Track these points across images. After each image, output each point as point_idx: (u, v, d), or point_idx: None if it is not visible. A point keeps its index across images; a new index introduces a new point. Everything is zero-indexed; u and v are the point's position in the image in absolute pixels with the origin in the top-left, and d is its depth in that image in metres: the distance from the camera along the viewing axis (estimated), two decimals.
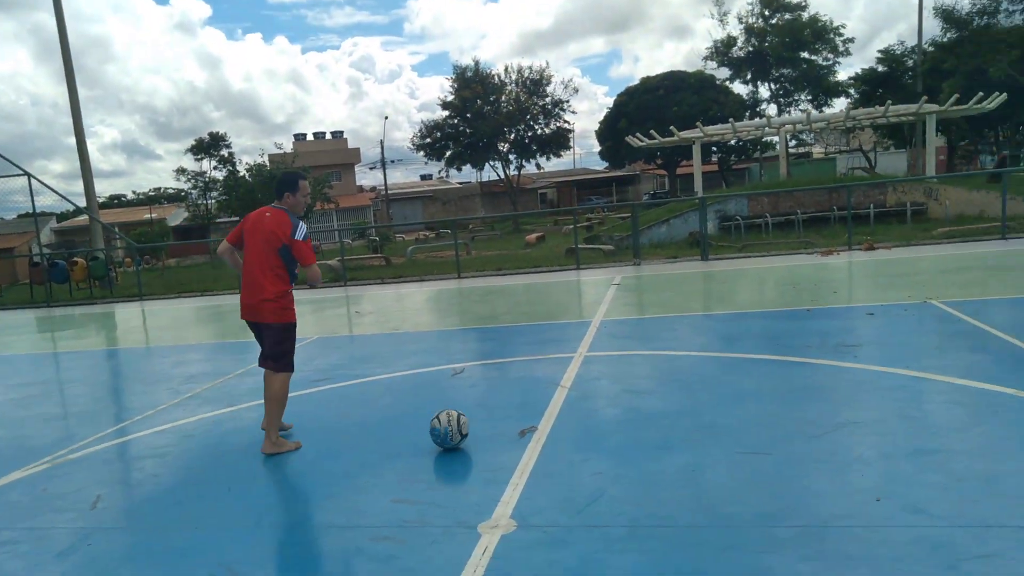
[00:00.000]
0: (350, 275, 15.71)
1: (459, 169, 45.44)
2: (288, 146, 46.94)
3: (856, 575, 2.56)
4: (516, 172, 45.05)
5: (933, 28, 33.50)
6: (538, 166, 45.14)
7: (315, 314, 10.96)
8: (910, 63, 38.29)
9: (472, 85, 41.21)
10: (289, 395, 4.59)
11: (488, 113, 40.95)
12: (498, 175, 45.18)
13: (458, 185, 59.59)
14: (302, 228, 4.48)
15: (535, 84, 41.79)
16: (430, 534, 3.18)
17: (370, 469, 4.04)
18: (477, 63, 42.69)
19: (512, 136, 42.25)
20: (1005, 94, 23.42)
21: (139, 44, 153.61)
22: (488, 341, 7.40)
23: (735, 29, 44.47)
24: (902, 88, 38.01)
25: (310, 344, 8.13)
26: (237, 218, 37.80)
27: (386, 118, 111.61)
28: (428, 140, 43.43)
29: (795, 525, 2.97)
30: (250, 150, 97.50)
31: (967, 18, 30.46)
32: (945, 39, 33.22)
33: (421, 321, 9.37)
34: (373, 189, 61.15)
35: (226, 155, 43.68)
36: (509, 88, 42.07)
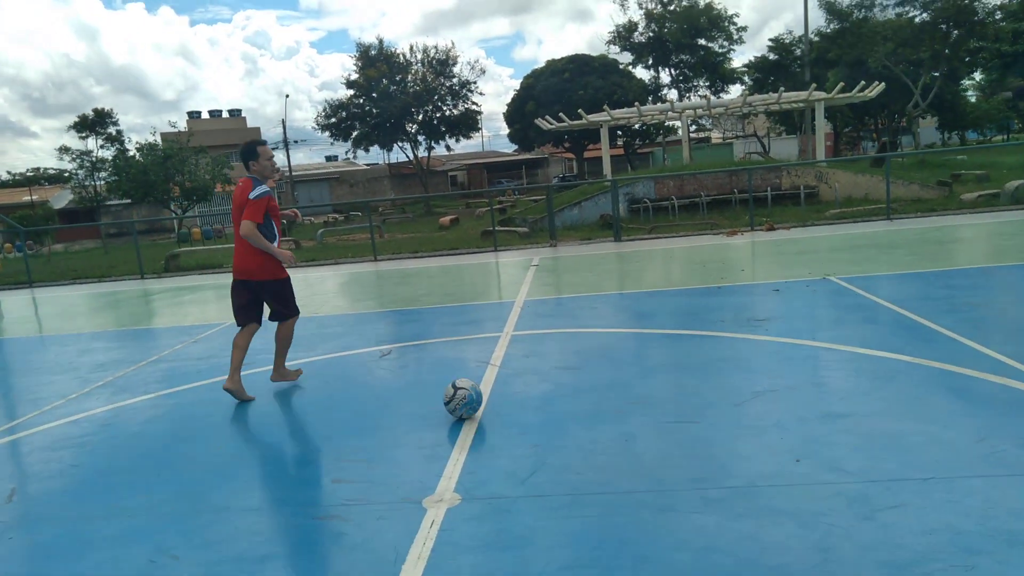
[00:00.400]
0: None
1: (367, 150, 44.61)
2: (182, 124, 44.57)
3: (784, 530, 2.77)
4: (425, 154, 44.63)
5: (818, 19, 35.50)
6: (448, 148, 44.88)
7: (228, 300, 10.56)
8: (798, 52, 40.42)
9: (377, 64, 40.39)
10: (212, 382, 4.47)
11: (395, 93, 40.27)
12: (407, 156, 44.61)
13: (366, 167, 58.42)
14: (259, 189, 4.83)
15: (441, 64, 41.42)
16: (375, 511, 3.19)
17: (306, 451, 4.00)
18: (381, 41, 41.82)
19: (420, 117, 41.77)
20: (883, 83, 25.12)
21: (1, 11, 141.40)
22: (412, 323, 7.37)
23: (636, 14, 45.58)
24: (791, 76, 40.10)
25: (228, 329, 7.85)
26: (129, 200, 35.69)
27: (287, 96, 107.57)
28: (333, 120, 42.32)
29: (725, 486, 3.17)
30: (139, 128, 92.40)
31: (848, 10, 32.36)
32: (829, 30, 35.21)
33: (340, 304, 9.21)
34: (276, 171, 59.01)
35: (113, 133, 41.05)
36: (415, 68, 41.52)
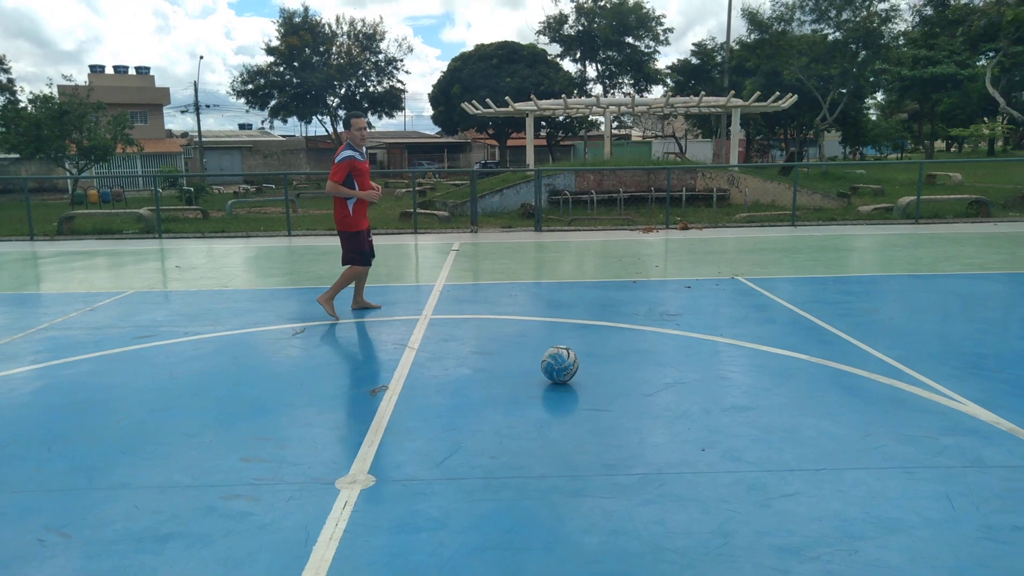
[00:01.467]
0: (165, 227, 14.48)
1: (284, 121, 43.19)
2: (82, 78, 41.75)
3: (688, 515, 2.89)
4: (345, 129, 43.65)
5: (741, 28, 36.84)
6: (369, 124, 43.98)
7: (129, 267, 10.03)
8: (719, 59, 41.78)
9: (300, 32, 39.12)
10: (111, 353, 4.25)
11: (317, 64, 39.12)
12: (326, 130, 43.44)
13: (282, 138, 56.48)
14: (342, 154, 6.04)
15: (368, 39, 40.59)
16: (286, 491, 3.13)
17: (213, 429, 3.86)
18: (306, 9, 40.54)
19: (343, 91, 40.77)
20: (796, 96, 26.33)
21: None
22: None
23: (567, 7, 45.94)
24: (711, 81, 41.46)
25: (127, 299, 7.46)
26: (17, 155, 33.16)
27: (200, 58, 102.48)
28: (250, 87, 40.75)
29: (635, 473, 3.28)
30: (32, 78, 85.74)
31: (768, 22, 33.68)
32: (750, 40, 36.56)
33: (252, 279, 8.91)
34: (185, 135, 56.22)
35: (3, 81, 37.98)
36: (340, 40, 40.47)
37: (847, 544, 2.65)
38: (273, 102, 40.92)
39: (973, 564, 2.51)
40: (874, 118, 48.83)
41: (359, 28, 40.28)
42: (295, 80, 39.38)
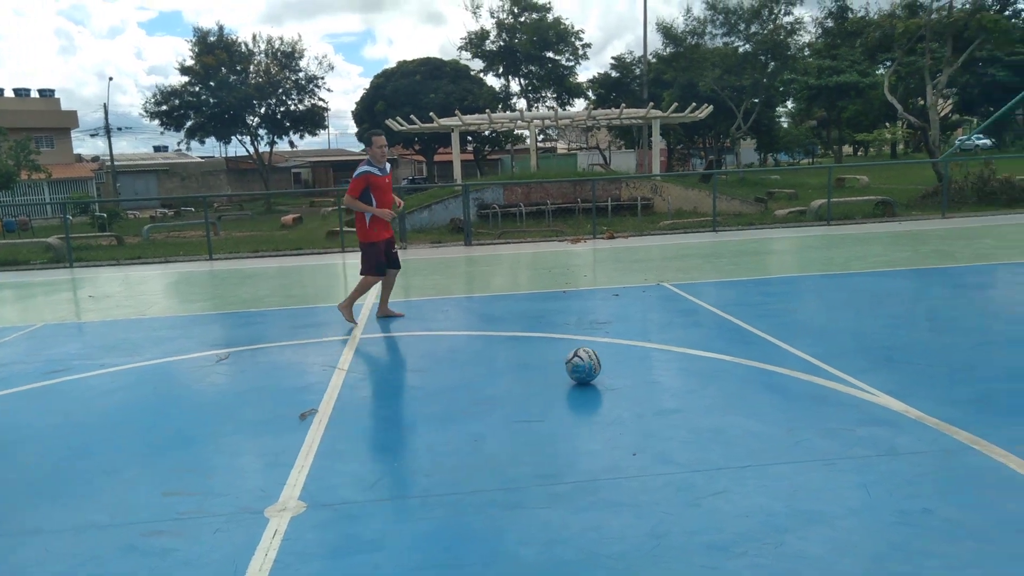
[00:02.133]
0: (76, 256, 13.80)
1: (201, 142, 41.90)
2: None
3: (622, 520, 2.94)
4: (267, 149, 42.65)
5: (657, 41, 37.88)
6: (291, 143, 43.25)
7: (38, 298, 9.51)
8: (638, 71, 42.93)
9: (216, 51, 38.13)
10: (22, 389, 4.02)
11: (235, 83, 38.19)
12: (247, 151, 42.39)
13: (200, 159, 54.78)
14: (360, 169, 6.38)
15: (287, 57, 39.89)
16: (212, 523, 3.03)
17: (133, 464, 3.70)
18: (221, 28, 39.53)
19: (262, 110, 39.91)
20: (712, 106, 27.29)
21: None
22: (254, 325, 7.03)
23: (488, 23, 46.38)
24: (631, 93, 42.52)
25: (36, 332, 7.07)
26: None
27: (110, 79, 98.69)
28: (164, 107, 39.41)
29: (570, 481, 3.31)
30: None
31: (682, 36, 34.82)
32: (665, 53, 37.70)
33: (172, 306, 8.59)
34: (96, 159, 53.84)
35: None
36: (258, 58, 39.65)
37: (773, 538, 2.74)
38: (189, 123, 39.68)
39: (889, 548, 2.64)
40: (786, 125, 51.05)
41: (277, 46, 39.58)
42: (212, 100, 38.30)
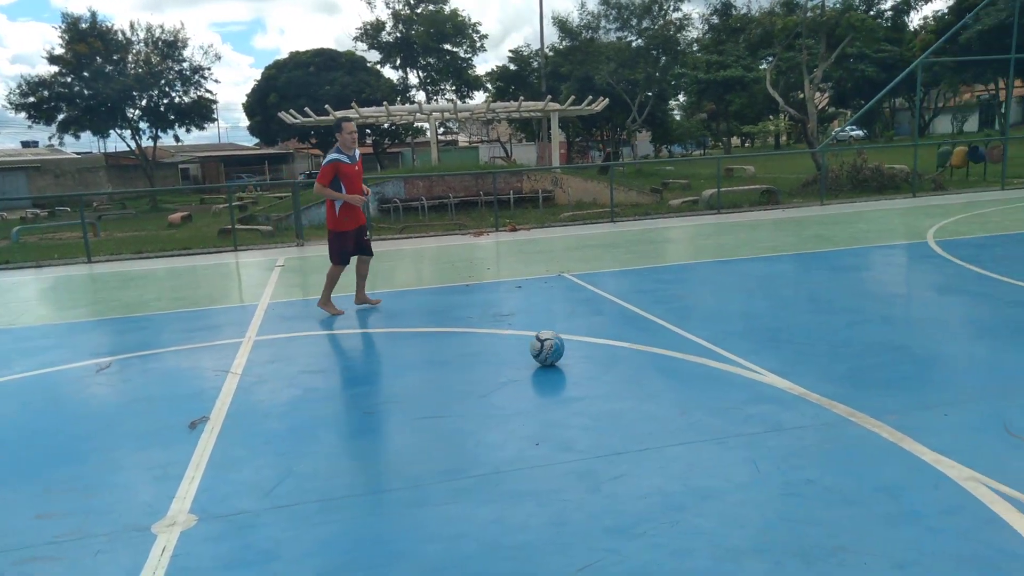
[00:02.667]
0: None
1: (76, 136, 39.04)
2: None
3: (525, 510, 2.96)
4: (151, 143, 40.30)
5: (553, 35, 38.44)
6: (176, 138, 40.99)
7: None
8: (535, 65, 43.39)
9: (89, 39, 35.61)
10: None
11: (112, 74, 35.81)
12: (128, 145, 39.86)
13: (76, 155, 51.14)
14: (329, 156, 6.37)
15: (169, 46, 37.68)
16: (93, 544, 2.83)
17: (3, 486, 3.41)
18: (94, 14, 36.94)
19: (144, 102, 37.63)
20: (608, 99, 27.92)
21: None
22: (138, 331, 6.63)
23: (383, 13, 45.56)
24: (530, 86, 42.92)
25: None
26: None
27: None
28: (32, 99, 36.46)
29: (473, 475, 3.30)
30: None
31: (577, 30, 35.46)
32: (562, 46, 38.28)
33: (46, 313, 7.98)
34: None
35: None
36: (137, 48, 37.31)
37: (669, 516, 2.83)
38: (61, 116, 36.87)
39: (777, 520, 2.78)
40: (678, 118, 52.91)
41: (157, 35, 37.36)
42: (86, 91, 35.76)
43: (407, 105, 34.48)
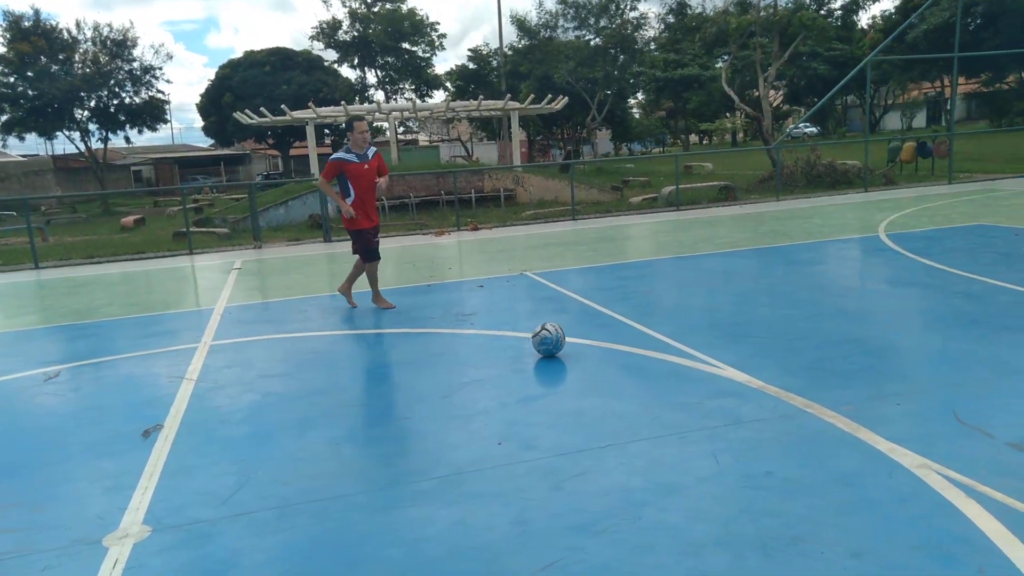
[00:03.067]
0: None
1: (21, 138, 37.83)
2: None
3: (489, 510, 2.94)
4: (100, 145, 39.20)
5: (512, 34, 38.43)
6: (127, 139, 39.96)
7: None
8: (495, 63, 43.37)
9: (32, 38, 34.50)
10: None
11: (58, 73, 34.74)
12: (76, 147, 38.71)
13: (21, 158, 49.53)
14: (334, 155, 6.39)
15: (118, 45, 36.68)
16: (39, 561, 2.73)
17: None
18: (37, 12, 35.82)
19: (93, 103, 36.59)
20: (567, 98, 28.03)
21: None
22: (88, 338, 6.43)
23: (340, 12, 45.06)
24: (489, 85, 42.88)
25: None
26: None
27: None
28: None
29: (436, 477, 3.27)
30: None
31: (536, 29, 35.52)
32: (521, 45, 38.31)
33: None
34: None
35: None
36: (84, 47, 36.25)
37: (632, 512, 2.84)
38: (5, 117, 35.70)
39: (736, 512, 2.81)
40: (637, 116, 53.42)
41: (105, 34, 36.34)
42: (31, 92, 34.64)
43: (366, 104, 34.11)
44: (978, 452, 3.20)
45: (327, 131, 44.14)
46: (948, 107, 37.34)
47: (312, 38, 45.02)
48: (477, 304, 6.84)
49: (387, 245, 11.97)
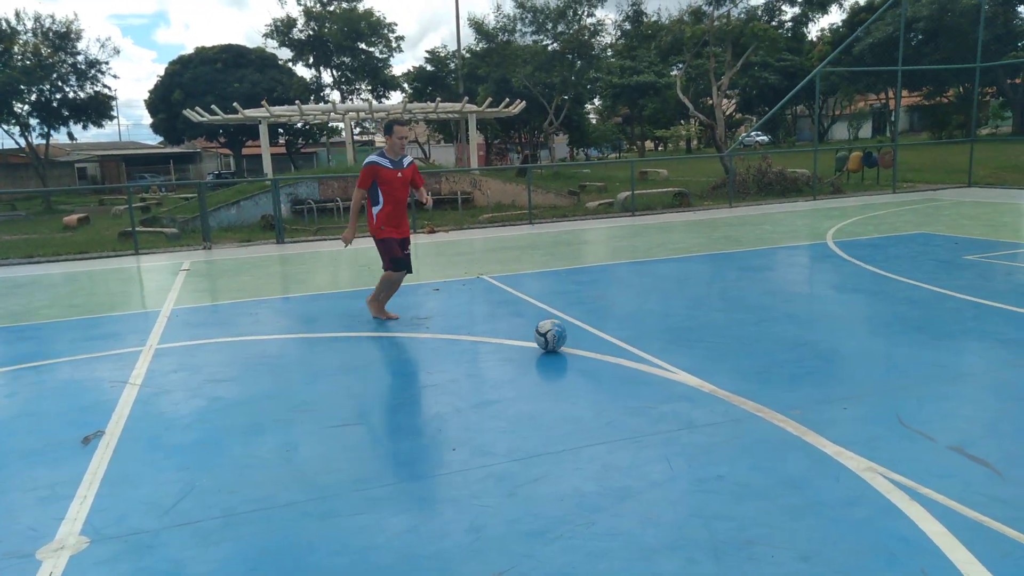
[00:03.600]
0: None
1: None
2: None
3: (441, 517, 2.90)
4: (42, 141, 37.82)
5: (470, 37, 38.36)
6: (71, 135, 38.64)
7: None
8: (452, 66, 43.28)
9: None
10: None
11: None
12: (16, 143, 37.28)
13: None
14: (369, 158, 5.98)
15: (61, 37, 35.45)
16: None
17: None
18: None
19: (34, 97, 35.28)
20: (525, 102, 28.12)
21: None
22: (27, 341, 6.17)
23: (295, 10, 44.40)
24: (447, 88, 42.77)
25: None
26: None
27: None
28: None
29: (387, 484, 3.22)
30: None
31: (493, 32, 35.54)
32: (479, 48, 38.28)
33: None
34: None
35: None
36: (24, 38, 34.94)
37: (586, 517, 2.83)
38: None
39: (688, 516, 2.83)
40: (594, 122, 53.88)
41: (48, 25, 35.08)
42: None
43: (321, 104, 33.69)
44: (920, 455, 3.29)
45: (281, 130, 43.42)
46: (892, 119, 38.61)
47: (266, 36, 44.19)
48: (433, 308, 6.78)
49: (339, 247, 11.80)
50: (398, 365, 5.05)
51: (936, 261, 8.13)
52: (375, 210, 6.02)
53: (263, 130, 25.29)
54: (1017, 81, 36.40)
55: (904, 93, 36.43)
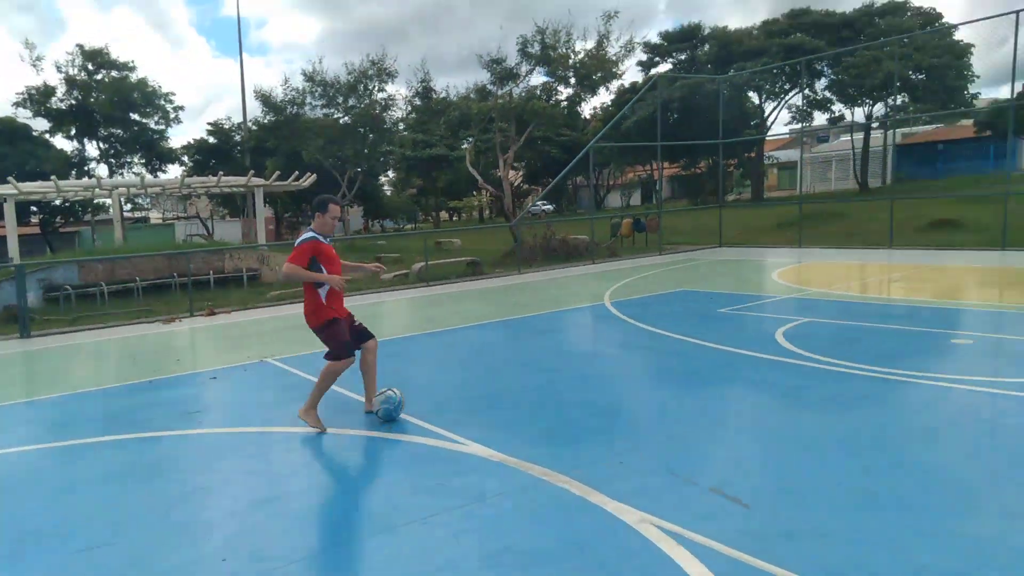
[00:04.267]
0: None
1: None
2: None
3: None
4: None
5: (257, 108, 37.19)
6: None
7: None
8: (238, 138, 41.70)
9: None
10: None
11: None
12: None
13: None
14: (305, 234, 5.39)
15: None
16: None
17: None
18: None
19: None
20: (316, 175, 27.67)
21: None
22: None
23: (53, 78, 40.53)
24: (232, 160, 41.01)
25: None
26: None
27: None
28: None
29: None
30: None
31: (281, 105, 34.87)
32: (266, 120, 37.27)
33: None
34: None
35: None
36: None
37: None
38: None
39: None
40: (389, 193, 54.30)
41: None
42: None
43: (84, 180, 30.62)
44: (685, 500, 3.52)
45: (34, 208, 38.80)
46: (657, 188, 43.12)
47: (17, 104, 39.71)
48: (209, 399, 6.24)
49: (105, 337, 10.59)
50: (164, 469, 4.52)
51: (697, 315, 9.02)
52: (323, 290, 5.41)
53: (9, 208, 22.41)
54: (752, 155, 42.47)
55: (665, 165, 40.88)
